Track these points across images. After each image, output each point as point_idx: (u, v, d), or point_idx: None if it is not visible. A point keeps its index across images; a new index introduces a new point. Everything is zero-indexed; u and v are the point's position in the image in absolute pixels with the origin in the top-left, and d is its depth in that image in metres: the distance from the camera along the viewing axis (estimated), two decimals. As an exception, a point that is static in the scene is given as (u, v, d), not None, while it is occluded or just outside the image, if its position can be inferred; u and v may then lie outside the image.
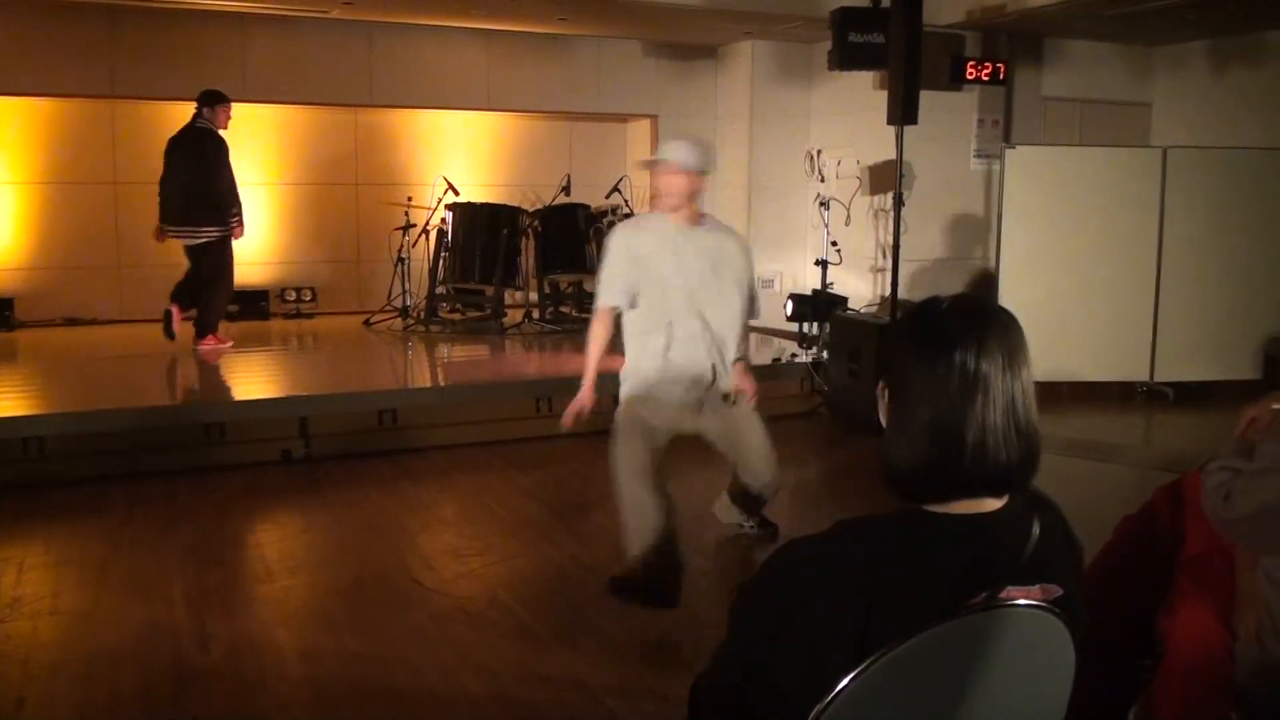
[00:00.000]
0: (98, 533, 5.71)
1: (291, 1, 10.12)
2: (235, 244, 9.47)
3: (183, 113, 11.12)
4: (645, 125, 12.50)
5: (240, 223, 9.29)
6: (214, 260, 9.26)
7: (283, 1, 10.12)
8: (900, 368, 1.67)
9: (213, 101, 9.26)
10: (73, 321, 10.95)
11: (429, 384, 8.89)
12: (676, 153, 4.70)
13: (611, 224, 11.31)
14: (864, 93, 10.24)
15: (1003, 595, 1.60)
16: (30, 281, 10.88)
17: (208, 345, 9.33)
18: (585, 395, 4.87)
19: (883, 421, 1.75)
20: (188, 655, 4.19)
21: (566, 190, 11.16)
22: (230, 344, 9.52)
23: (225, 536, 5.67)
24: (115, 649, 4.24)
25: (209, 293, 9.35)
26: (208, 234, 9.17)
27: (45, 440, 6.71)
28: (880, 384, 1.75)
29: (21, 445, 6.66)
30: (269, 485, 6.72)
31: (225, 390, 8.47)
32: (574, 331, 10.66)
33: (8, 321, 10.61)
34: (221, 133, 9.24)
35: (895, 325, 1.81)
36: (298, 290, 11.56)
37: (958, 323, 1.64)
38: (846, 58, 9.00)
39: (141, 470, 6.79)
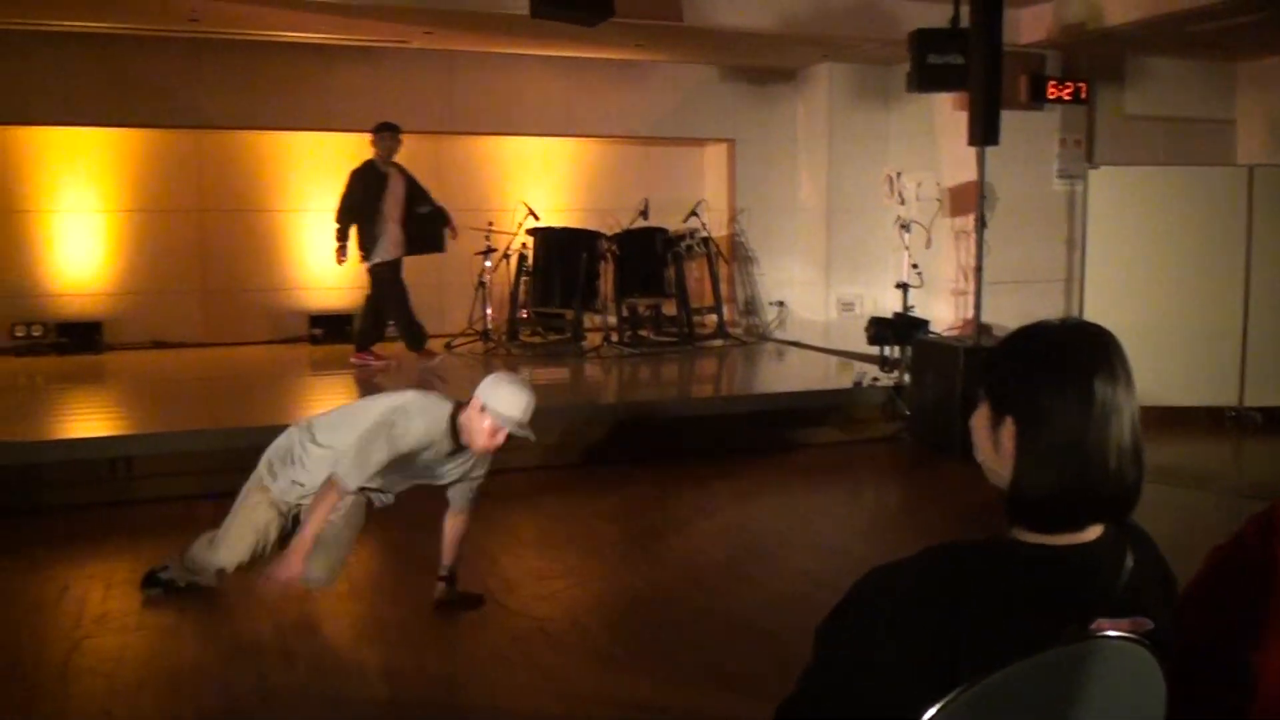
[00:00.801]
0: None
1: (374, 32, 10.28)
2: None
3: (267, 141, 11.43)
4: (722, 149, 12.51)
5: (343, 250, 9.67)
6: (373, 282, 9.86)
7: (365, 32, 10.29)
8: (1030, 396, 1.64)
9: (375, 130, 9.73)
10: (159, 344, 11.18)
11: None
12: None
13: (689, 248, 11.33)
14: (944, 114, 10.16)
15: (1093, 627, 1.57)
16: (118, 306, 11.14)
17: (358, 360, 9.93)
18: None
19: (989, 450, 1.71)
20: (272, 673, 4.24)
21: (644, 214, 11.20)
22: (383, 363, 9.96)
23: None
24: (200, 665, 4.31)
25: (365, 310, 10.10)
26: (366, 260, 9.68)
27: (133, 460, 6.86)
28: (992, 412, 1.70)
29: (110, 465, 6.81)
30: (352, 506, 6.78)
31: (308, 411, 8.58)
32: (652, 355, 10.68)
33: (96, 344, 10.86)
34: (386, 164, 9.77)
35: (1011, 352, 1.78)
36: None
37: (1084, 347, 1.64)
38: (926, 79, 8.93)
39: (227, 490, 6.86)
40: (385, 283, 9.75)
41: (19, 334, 10.73)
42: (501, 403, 4.42)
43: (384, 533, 6.23)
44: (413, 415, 4.46)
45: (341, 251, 9.64)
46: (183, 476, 6.92)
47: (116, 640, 4.59)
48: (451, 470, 4.73)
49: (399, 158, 9.92)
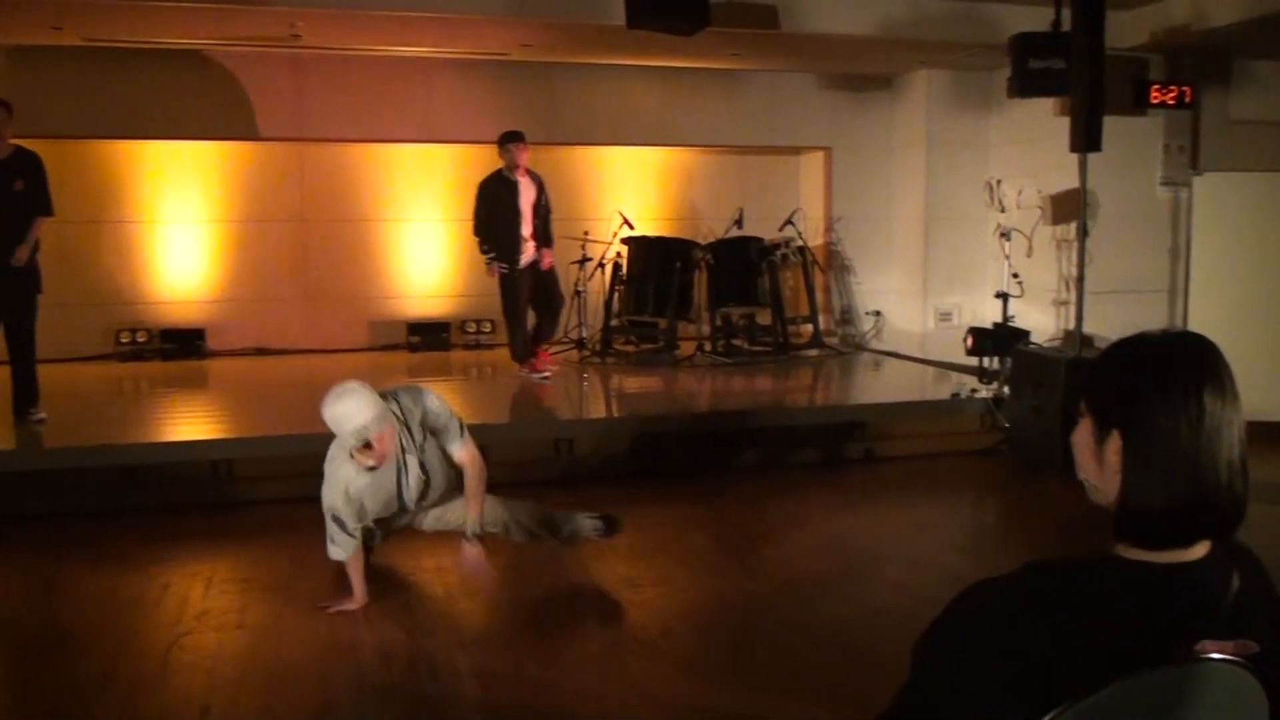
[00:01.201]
0: (283, 552, 5.91)
1: (473, 45, 10.39)
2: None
3: (368, 152, 11.63)
4: (819, 157, 12.45)
5: (492, 261, 9.42)
6: (501, 287, 9.56)
7: (465, 45, 10.40)
8: (1137, 409, 1.61)
9: (498, 140, 9.46)
10: (261, 351, 11.41)
11: (603, 415, 8.97)
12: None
13: (785, 256, 11.28)
14: (1045, 120, 9.99)
15: (1197, 648, 1.53)
16: (221, 313, 11.39)
17: (524, 370, 9.68)
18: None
19: (1092, 467, 1.68)
20: (368, 673, 4.30)
21: (739, 223, 11.17)
22: (545, 373, 9.65)
23: (406, 559, 5.80)
24: (298, 664, 4.39)
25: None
26: (508, 268, 9.42)
27: (234, 463, 7.01)
28: (1096, 427, 1.67)
29: (211, 467, 6.97)
30: (447, 511, 6.85)
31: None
32: (746, 364, 10.64)
33: (200, 350, 11.13)
34: (514, 171, 9.39)
35: (1114, 365, 1.74)
36: (477, 322, 11.82)
37: (1190, 359, 1.60)
38: (1026, 84, 8.80)
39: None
40: (509, 288, 9.49)
41: (124, 340, 11.04)
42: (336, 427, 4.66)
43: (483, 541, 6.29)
44: (335, 465, 4.89)
45: (491, 264, 9.42)
46: (282, 480, 7.05)
47: (216, 637, 4.69)
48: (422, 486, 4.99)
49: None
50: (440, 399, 4.98)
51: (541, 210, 9.54)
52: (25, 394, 7.62)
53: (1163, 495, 1.58)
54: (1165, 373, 1.60)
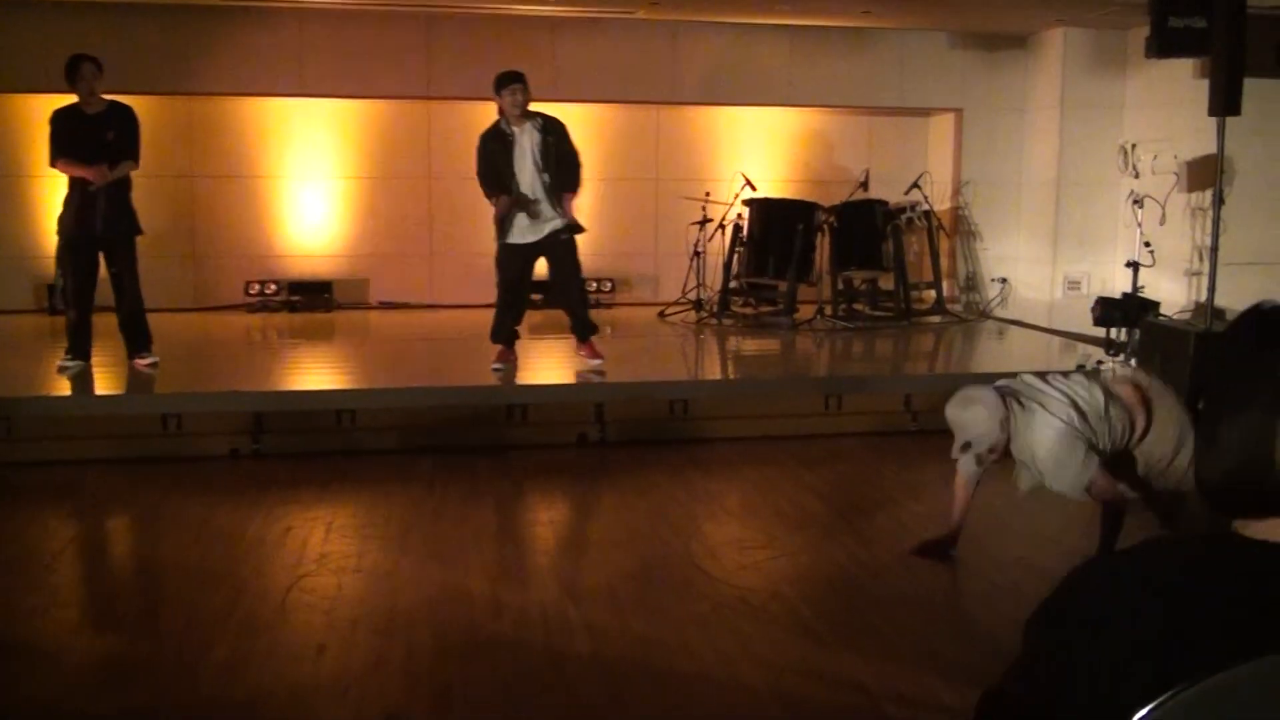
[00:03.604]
0: (402, 501, 6.04)
1: (600, 4, 10.39)
2: None
3: (495, 111, 11.69)
4: (949, 119, 12.19)
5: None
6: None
7: (592, 4, 10.41)
8: (1218, 376, 1.56)
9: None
10: (386, 305, 11.62)
11: (720, 376, 8.96)
12: None
13: (910, 220, 11.10)
14: (1183, 82, 9.65)
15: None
16: (348, 268, 11.62)
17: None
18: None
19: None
20: (481, 621, 4.37)
21: (864, 186, 11.03)
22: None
23: (521, 512, 5.89)
24: (412, 609, 4.48)
25: None
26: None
27: (357, 413, 7.16)
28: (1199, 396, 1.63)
29: (335, 417, 7.13)
30: (564, 466, 6.94)
31: (527, 375, 8.79)
32: (867, 329, 10.52)
33: (327, 304, 11.36)
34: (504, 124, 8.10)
35: (1225, 334, 1.69)
36: (597, 281, 11.86)
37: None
38: (1165, 44, 8.48)
39: (445, 446, 7.13)
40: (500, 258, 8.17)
41: (253, 291, 11.32)
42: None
43: (595, 497, 6.35)
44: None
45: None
46: (402, 430, 7.21)
47: (334, 580, 4.81)
48: None
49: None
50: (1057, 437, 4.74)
51: (547, 161, 8.00)
52: (136, 338, 7.70)
53: (1218, 463, 1.53)
54: (1245, 339, 1.54)
